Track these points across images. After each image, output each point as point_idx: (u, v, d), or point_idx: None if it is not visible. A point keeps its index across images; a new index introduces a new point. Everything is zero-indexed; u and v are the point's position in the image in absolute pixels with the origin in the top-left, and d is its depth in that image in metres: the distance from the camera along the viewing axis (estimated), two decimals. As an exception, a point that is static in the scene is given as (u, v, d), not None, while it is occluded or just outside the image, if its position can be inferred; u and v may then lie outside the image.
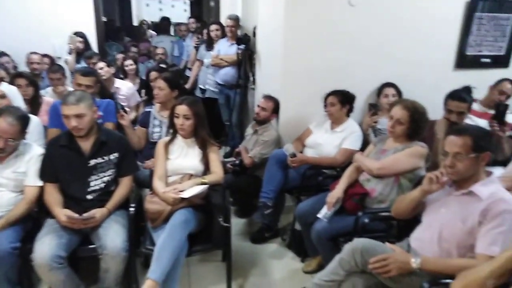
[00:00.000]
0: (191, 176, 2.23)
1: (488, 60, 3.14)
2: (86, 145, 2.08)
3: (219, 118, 4.24)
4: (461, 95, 2.46)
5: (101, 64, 3.42)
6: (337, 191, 2.20)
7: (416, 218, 1.85)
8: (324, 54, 2.86)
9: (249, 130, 3.11)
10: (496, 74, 3.08)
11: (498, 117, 2.46)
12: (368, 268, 1.62)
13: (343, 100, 2.70)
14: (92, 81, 2.76)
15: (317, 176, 2.60)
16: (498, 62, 3.16)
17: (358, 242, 1.71)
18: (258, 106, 2.97)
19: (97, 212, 1.99)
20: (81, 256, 2.05)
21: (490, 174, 1.67)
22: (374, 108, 2.81)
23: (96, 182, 2.09)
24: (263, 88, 3.34)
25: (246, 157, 2.90)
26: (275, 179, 2.65)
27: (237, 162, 2.92)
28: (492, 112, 2.58)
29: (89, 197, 2.08)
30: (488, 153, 1.62)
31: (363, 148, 2.57)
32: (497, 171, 2.22)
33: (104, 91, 3.07)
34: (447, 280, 1.49)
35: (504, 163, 2.36)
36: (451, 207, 1.68)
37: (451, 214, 1.66)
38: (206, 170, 2.28)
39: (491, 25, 3.03)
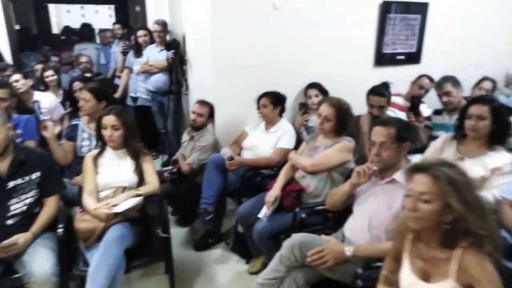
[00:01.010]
0: (124, 189, 2.14)
1: (402, 57, 3.42)
2: (2, 166, 1.89)
3: (153, 126, 4.12)
4: (380, 91, 2.65)
5: (17, 76, 3.13)
6: (274, 190, 2.25)
7: (349, 208, 1.95)
8: (253, 57, 2.90)
9: (185, 137, 3.06)
10: (410, 69, 3.36)
11: (414, 109, 2.70)
12: (307, 261, 1.68)
13: (275, 101, 2.77)
14: (6, 93, 2.55)
15: (255, 177, 2.65)
16: (411, 58, 3.46)
17: (296, 238, 1.76)
18: (194, 112, 2.93)
19: (19, 238, 1.82)
20: (4, 288, 1.87)
21: (409, 162, 1.82)
22: (304, 107, 2.92)
23: (17, 206, 1.92)
24: (197, 93, 3.31)
25: (183, 164, 2.85)
26: (214, 184, 2.63)
27: (174, 170, 2.85)
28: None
29: (9, 222, 1.90)
30: (408, 143, 1.77)
31: (297, 146, 2.66)
32: (416, 158, 2.44)
33: (22, 106, 2.83)
34: (379, 264, 1.60)
35: (421, 151, 2.58)
36: (377, 196, 1.80)
37: (378, 202, 1.78)
38: (141, 181, 2.19)
39: (402, 25, 3.31)
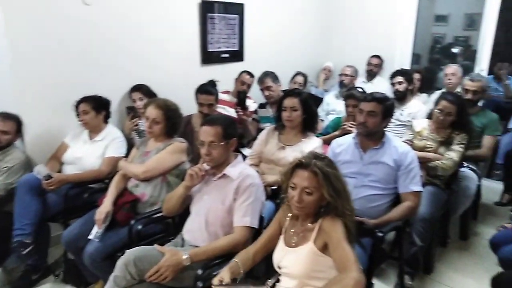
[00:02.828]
0: None
1: (227, 55, 3.57)
2: None
3: None
4: (207, 89, 2.70)
5: None
6: (104, 206, 2.04)
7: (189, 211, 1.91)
8: (65, 58, 2.57)
9: (-17, 158, 2.47)
10: (236, 67, 3.54)
11: (240, 104, 2.85)
12: (146, 278, 1.57)
13: (96, 106, 2.50)
14: None
15: (82, 194, 2.34)
16: (235, 56, 3.64)
17: (129, 254, 1.62)
18: (-6, 130, 2.37)
19: None
20: None
21: (237, 156, 1.88)
22: (132, 111, 2.74)
23: None
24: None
25: (-16, 192, 2.30)
26: (29, 210, 2.21)
27: (-28, 201, 2.28)
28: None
29: None
30: (235, 139, 1.83)
31: (129, 152, 2.47)
32: (247, 151, 2.58)
33: None
34: (218, 260, 1.63)
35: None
36: (211, 193, 1.82)
37: (212, 199, 1.80)
38: None
39: (223, 25, 3.44)
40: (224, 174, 1.80)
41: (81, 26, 2.60)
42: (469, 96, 2.84)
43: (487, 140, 2.80)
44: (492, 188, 3.45)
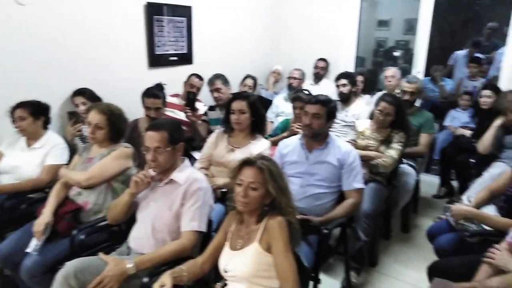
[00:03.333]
0: None
1: (175, 58, 3.52)
2: None
3: None
4: (154, 92, 2.65)
5: None
6: (44, 216, 1.95)
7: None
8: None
9: None
10: (184, 70, 3.49)
11: (190, 104, 2.83)
12: (90, 290, 1.51)
13: (34, 111, 2.36)
14: None
15: (19, 205, 2.21)
16: (183, 59, 3.59)
17: (69, 266, 1.56)
18: None
19: None
20: None
21: (183, 161, 1.86)
22: (74, 116, 2.62)
23: None
24: None
25: None
26: (-41, 224, 2.05)
27: None
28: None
29: None
30: (182, 144, 1.81)
31: (72, 160, 2.36)
32: (197, 154, 2.57)
33: None
34: (164, 267, 1.59)
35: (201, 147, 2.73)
36: (158, 199, 1.79)
37: (159, 205, 1.77)
38: None
39: (170, 27, 3.39)
40: (171, 179, 1.77)
41: (15, 26, 2.44)
42: (406, 97, 3.03)
43: (423, 138, 3.00)
44: (430, 182, 3.70)
